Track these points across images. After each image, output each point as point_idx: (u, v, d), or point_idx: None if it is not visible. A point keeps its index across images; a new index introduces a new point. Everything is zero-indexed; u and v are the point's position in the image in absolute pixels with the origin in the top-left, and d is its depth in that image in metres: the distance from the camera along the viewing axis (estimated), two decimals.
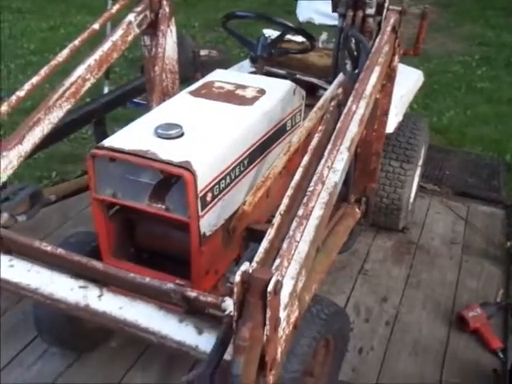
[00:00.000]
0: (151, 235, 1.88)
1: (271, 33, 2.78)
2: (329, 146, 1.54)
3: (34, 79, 1.84)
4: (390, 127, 2.54)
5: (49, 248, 1.46)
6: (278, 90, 2.08)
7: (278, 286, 1.09)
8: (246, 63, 2.94)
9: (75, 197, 2.41)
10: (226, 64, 3.21)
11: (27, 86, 1.81)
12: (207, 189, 1.66)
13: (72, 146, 4.23)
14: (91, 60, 2.00)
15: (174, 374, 2.19)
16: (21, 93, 1.79)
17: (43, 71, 1.86)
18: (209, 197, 1.69)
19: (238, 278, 1.08)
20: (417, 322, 2.54)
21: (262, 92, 2.04)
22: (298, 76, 2.66)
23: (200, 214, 1.65)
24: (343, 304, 2.60)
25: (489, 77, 5.93)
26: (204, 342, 1.30)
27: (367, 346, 2.40)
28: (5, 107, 1.73)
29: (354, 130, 1.62)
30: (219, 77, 2.18)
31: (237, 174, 1.84)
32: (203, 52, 5.04)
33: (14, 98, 1.76)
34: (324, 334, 1.86)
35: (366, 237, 3.08)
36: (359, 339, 2.42)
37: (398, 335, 2.46)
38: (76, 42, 1.98)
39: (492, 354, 2.35)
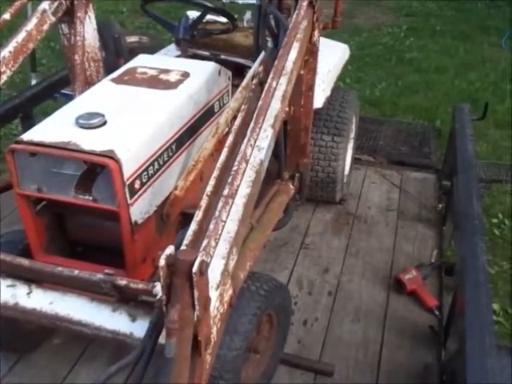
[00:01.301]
0: (82, 228, 1.85)
1: (195, 14, 2.75)
2: (251, 125, 1.55)
3: None
4: (318, 102, 2.58)
5: None
6: (202, 72, 2.07)
7: (204, 266, 1.10)
8: (173, 47, 2.91)
9: (8, 194, 2.32)
10: (157, 49, 3.16)
11: None
12: (134, 176, 1.65)
13: (2, 143, 4.08)
14: (5, 52, 1.92)
15: None
16: None
17: None
18: (137, 184, 1.67)
19: (162, 261, 1.09)
20: (357, 289, 2.62)
21: (185, 75, 2.03)
22: (222, 57, 2.65)
23: (129, 202, 1.64)
24: (286, 279, 2.65)
25: (417, 47, 6.10)
26: (138, 328, 1.31)
27: (311, 317, 2.46)
28: None
29: (276, 106, 1.64)
30: (142, 62, 2.15)
31: (165, 159, 1.83)
32: (133, 38, 4.90)
33: None
34: (265, 309, 1.89)
35: (306, 211, 3.14)
36: (303, 312, 2.48)
37: (341, 304, 2.54)
38: None
39: (429, 312, 2.46)
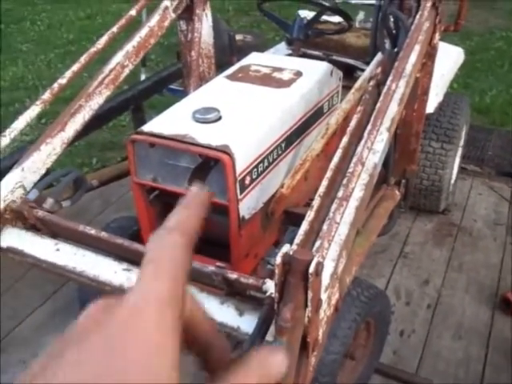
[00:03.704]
0: None
1: (306, 14, 2.75)
2: (368, 127, 1.51)
3: (75, 67, 1.87)
4: (431, 107, 2.49)
5: (93, 232, 1.50)
6: (314, 72, 2.06)
7: (320, 267, 1.09)
8: (282, 46, 2.91)
9: (116, 182, 2.46)
10: (261, 48, 3.19)
11: (68, 74, 1.84)
12: (246, 172, 1.67)
13: (111, 133, 4.31)
14: (129, 46, 2.01)
15: None
16: (62, 80, 1.82)
17: (83, 59, 1.89)
18: (247, 180, 1.69)
19: (279, 259, 1.08)
20: (459, 304, 2.50)
21: (298, 74, 2.02)
22: (334, 57, 2.62)
23: (239, 197, 1.66)
24: (383, 287, 2.58)
25: None
26: (245, 323, 1.32)
27: (408, 328, 2.37)
28: (48, 95, 1.77)
29: (393, 109, 1.59)
30: (255, 60, 2.17)
31: (275, 157, 1.84)
32: (238, 37, 5.00)
33: (55, 86, 1.80)
34: (364, 316, 1.85)
35: (406, 219, 3.04)
36: (400, 322, 2.40)
37: (440, 318, 2.43)
38: (114, 29, 2.00)
39: None
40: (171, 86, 3.75)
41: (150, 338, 0.36)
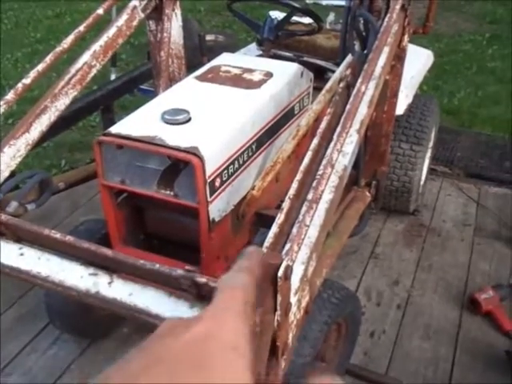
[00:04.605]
0: (160, 222, 1.88)
1: (278, 15, 2.74)
2: (338, 129, 1.51)
3: (40, 66, 1.82)
4: (400, 109, 2.51)
5: (58, 235, 1.45)
6: (285, 73, 2.05)
7: (289, 271, 1.08)
8: (253, 47, 2.90)
9: (85, 184, 2.41)
10: (232, 48, 3.18)
11: (33, 74, 1.79)
12: (216, 174, 1.65)
13: (80, 133, 4.24)
14: (96, 46, 1.97)
15: None
16: (27, 80, 1.77)
17: (48, 58, 1.84)
18: (217, 182, 1.67)
19: None
20: (429, 304, 2.52)
21: (269, 75, 2.01)
22: (305, 58, 2.62)
23: (209, 199, 1.64)
24: (354, 288, 2.59)
25: (500, 55, 5.84)
26: None
27: (379, 329, 2.39)
28: (12, 95, 1.72)
29: (363, 111, 1.60)
30: (226, 61, 2.15)
31: (245, 158, 1.82)
32: (210, 37, 4.99)
33: (20, 86, 1.75)
34: (335, 318, 1.85)
35: (377, 220, 3.06)
36: (371, 323, 2.41)
37: (410, 318, 2.45)
38: (81, 28, 1.96)
39: (505, 336, 2.33)
40: (142, 87, 3.70)
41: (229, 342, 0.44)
